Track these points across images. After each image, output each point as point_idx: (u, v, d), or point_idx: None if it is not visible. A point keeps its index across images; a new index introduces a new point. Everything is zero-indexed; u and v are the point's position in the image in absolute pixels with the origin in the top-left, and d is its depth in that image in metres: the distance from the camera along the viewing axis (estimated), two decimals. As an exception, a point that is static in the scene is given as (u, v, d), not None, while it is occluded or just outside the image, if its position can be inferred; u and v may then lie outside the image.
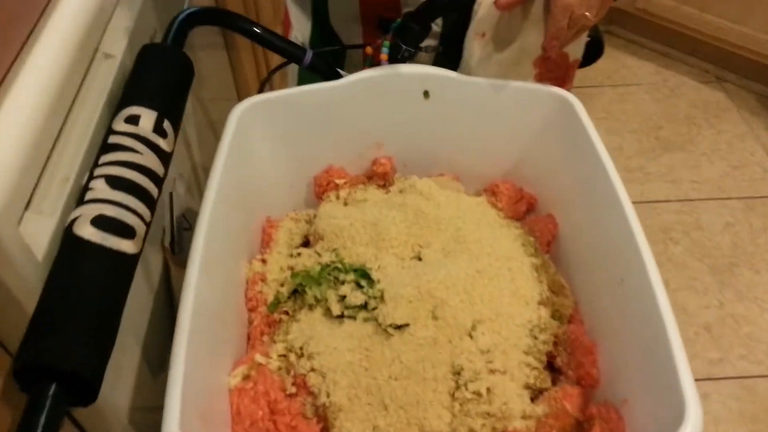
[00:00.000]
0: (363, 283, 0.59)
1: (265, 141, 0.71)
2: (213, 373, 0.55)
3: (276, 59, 0.79)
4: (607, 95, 1.94)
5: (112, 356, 0.55)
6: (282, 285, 0.64)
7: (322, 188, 0.76)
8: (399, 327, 0.56)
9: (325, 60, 0.75)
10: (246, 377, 0.56)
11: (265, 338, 0.62)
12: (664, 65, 2.04)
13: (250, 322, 0.63)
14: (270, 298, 0.63)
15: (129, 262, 0.44)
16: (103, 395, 0.52)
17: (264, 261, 0.67)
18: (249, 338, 0.63)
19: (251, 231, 0.70)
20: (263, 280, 0.65)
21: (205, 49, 0.89)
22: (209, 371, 0.54)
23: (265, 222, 0.72)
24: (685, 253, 1.54)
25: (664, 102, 1.91)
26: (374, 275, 0.60)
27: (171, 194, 0.70)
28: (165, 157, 0.50)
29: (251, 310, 0.64)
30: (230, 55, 0.98)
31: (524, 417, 0.55)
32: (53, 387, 0.37)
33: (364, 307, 0.59)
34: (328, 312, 0.60)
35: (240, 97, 0.98)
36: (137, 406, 0.57)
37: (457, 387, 0.55)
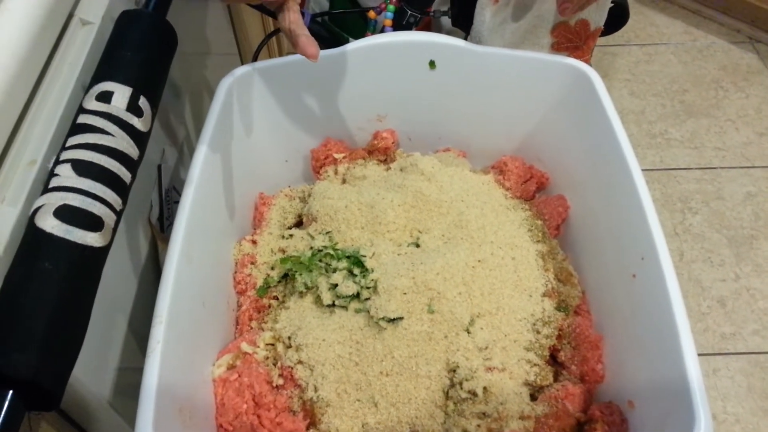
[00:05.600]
0: (356, 271, 0.56)
1: (257, 113, 0.67)
2: (195, 362, 0.52)
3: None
4: (634, 55, 1.86)
5: (98, 341, 0.53)
6: (272, 268, 0.61)
7: (319, 163, 0.72)
8: (392, 320, 0.53)
9: (326, 25, 0.70)
10: (231, 367, 0.54)
11: (254, 324, 0.59)
12: (694, 24, 1.94)
13: (239, 306, 0.61)
14: (259, 282, 0.60)
15: (96, 256, 0.40)
16: (86, 383, 0.50)
17: (254, 242, 0.63)
18: (237, 323, 0.60)
19: (243, 208, 0.67)
20: (253, 262, 0.61)
21: (202, 6, 0.83)
22: (191, 360, 0.51)
23: (258, 198, 0.69)
24: (704, 223, 1.49)
25: (691, 64, 1.83)
26: (368, 263, 0.56)
27: (159, 166, 0.67)
28: (140, 138, 0.46)
29: (240, 293, 0.61)
30: (231, 14, 0.91)
31: (522, 417, 0.52)
32: (10, 395, 0.35)
33: (357, 296, 0.55)
34: (318, 300, 0.57)
35: (243, 61, 0.93)
36: (125, 390, 0.56)
37: (452, 385, 0.52)
